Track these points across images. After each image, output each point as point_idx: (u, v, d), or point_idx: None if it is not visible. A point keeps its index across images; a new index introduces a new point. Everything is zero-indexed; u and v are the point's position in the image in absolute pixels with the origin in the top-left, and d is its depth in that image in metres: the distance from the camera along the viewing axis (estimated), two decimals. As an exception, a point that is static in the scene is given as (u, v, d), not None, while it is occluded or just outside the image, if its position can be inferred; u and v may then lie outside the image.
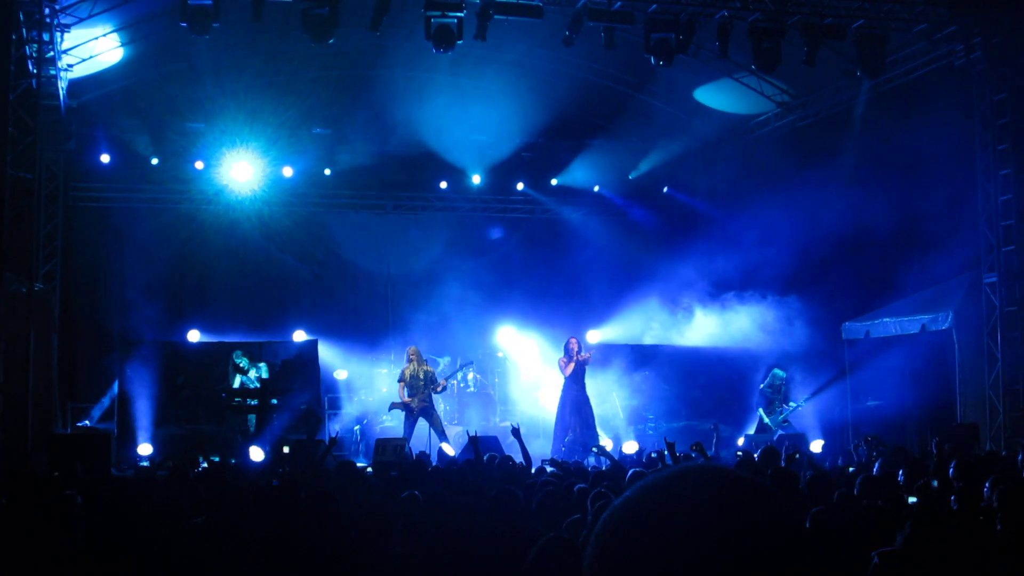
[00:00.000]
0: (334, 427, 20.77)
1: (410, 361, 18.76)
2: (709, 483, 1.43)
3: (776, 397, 19.55)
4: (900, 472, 10.08)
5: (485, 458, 12.31)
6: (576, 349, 18.57)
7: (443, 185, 25.03)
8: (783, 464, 11.68)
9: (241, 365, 20.28)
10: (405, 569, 6.10)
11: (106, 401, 20.38)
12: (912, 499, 8.54)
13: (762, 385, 19.90)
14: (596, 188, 25.92)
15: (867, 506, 7.14)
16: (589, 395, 18.76)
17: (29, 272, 16.05)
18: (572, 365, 18.37)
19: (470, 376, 22.33)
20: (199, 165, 22.78)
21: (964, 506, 7.73)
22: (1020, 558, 6.22)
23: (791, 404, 19.46)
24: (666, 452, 12.40)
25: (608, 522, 1.44)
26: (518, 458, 12.71)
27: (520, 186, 25.66)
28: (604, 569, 1.41)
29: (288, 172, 23.45)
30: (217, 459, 14.41)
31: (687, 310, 22.67)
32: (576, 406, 18.24)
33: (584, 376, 18.64)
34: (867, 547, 5.65)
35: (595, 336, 22.85)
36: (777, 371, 19.67)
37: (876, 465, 11.48)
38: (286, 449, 14.36)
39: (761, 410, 19.44)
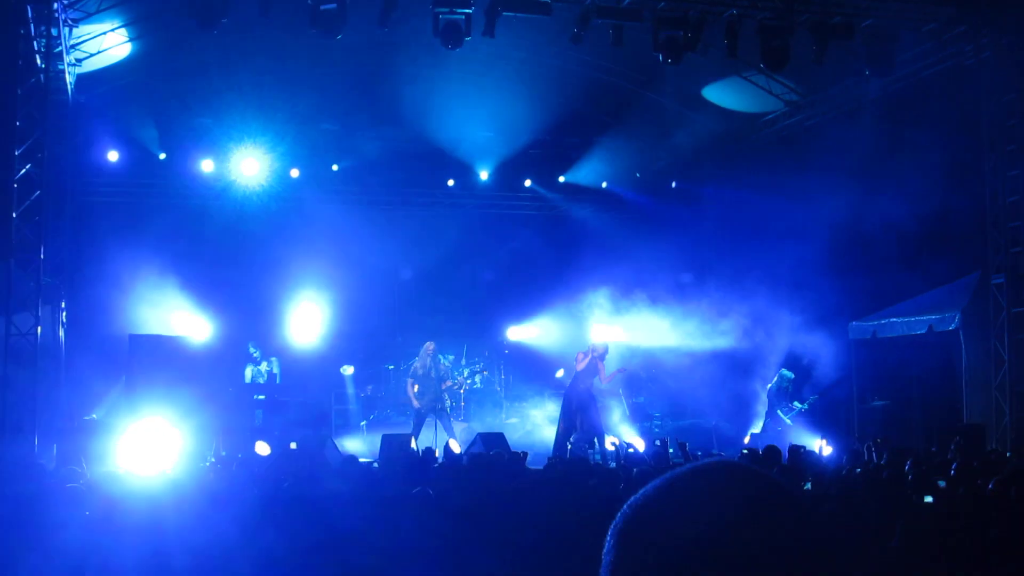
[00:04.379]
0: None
1: (424, 357, 18.69)
2: (728, 478, 1.45)
3: (783, 398, 19.56)
4: (907, 472, 10.07)
5: (491, 455, 12.33)
6: (597, 351, 18.43)
7: (451, 182, 25.08)
8: (785, 462, 11.70)
9: (255, 356, 20.39)
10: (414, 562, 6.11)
11: (113, 395, 20.40)
12: (928, 498, 8.53)
13: (769, 385, 19.91)
14: (604, 185, 25.93)
15: (873, 504, 7.15)
16: (595, 394, 18.73)
17: (37, 266, 16.09)
18: (585, 362, 18.26)
19: (477, 376, 22.39)
20: (206, 167, 22.92)
21: (968, 505, 7.74)
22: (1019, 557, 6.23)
23: (797, 405, 19.47)
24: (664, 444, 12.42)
25: (626, 517, 1.45)
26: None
27: (528, 183, 25.68)
28: (623, 563, 1.42)
29: (295, 172, 23.54)
30: (224, 454, 14.46)
31: (694, 307, 22.66)
32: (582, 403, 18.17)
33: (593, 374, 18.54)
34: (873, 543, 5.66)
35: (602, 333, 22.84)
36: (785, 372, 19.67)
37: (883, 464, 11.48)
38: (293, 445, 14.38)
39: (780, 411, 19.44)
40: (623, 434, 19.25)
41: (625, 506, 1.46)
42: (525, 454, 13.62)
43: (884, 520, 6.74)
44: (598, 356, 18.35)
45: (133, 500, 7.60)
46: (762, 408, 20.33)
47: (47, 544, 6.26)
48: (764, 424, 19.76)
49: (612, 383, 19.39)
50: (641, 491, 1.47)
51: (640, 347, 22.39)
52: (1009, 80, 16.80)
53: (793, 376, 19.70)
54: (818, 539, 1.41)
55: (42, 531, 6.50)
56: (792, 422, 19.20)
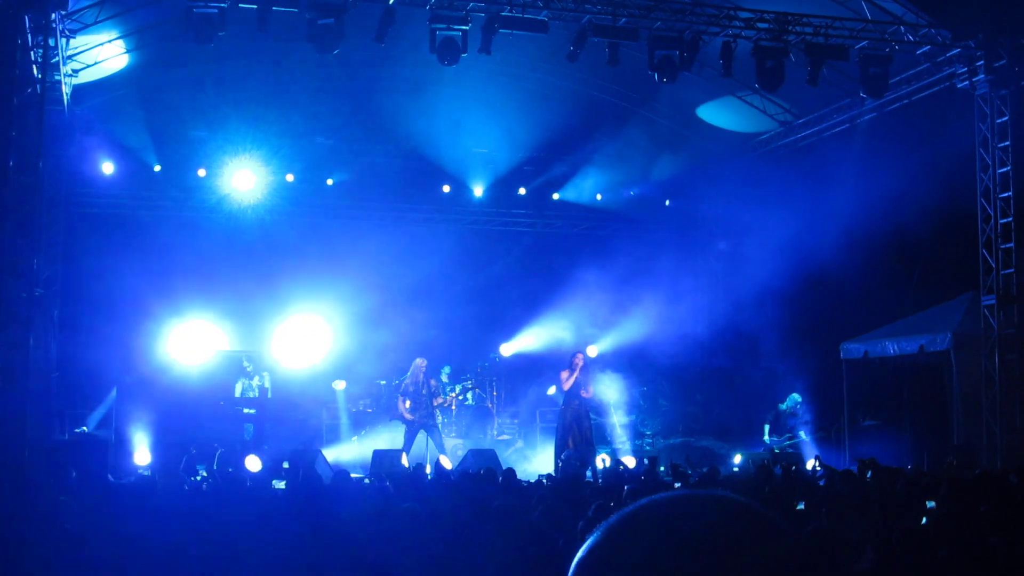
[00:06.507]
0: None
1: (415, 373, 18.60)
2: (705, 511, 1.38)
3: (789, 421, 19.55)
4: (898, 492, 10.08)
5: (482, 471, 12.31)
6: (580, 363, 18.39)
7: (446, 187, 25.01)
8: (779, 481, 11.70)
9: (248, 369, 20.36)
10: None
11: (104, 408, 20.33)
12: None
13: (782, 406, 19.80)
14: (598, 198, 25.94)
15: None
16: (587, 410, 18.65)
17: (30, 278, 16.04)
18: (572, 379, 18.19)
19: (469, 392, 22.34)
20: (201, 173, 22.85)
21: (958, 526, 7.73)
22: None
23: (802, 435, 19.42)
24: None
25: (592, 549, 1.38)
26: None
27: (522, 191, 25.66)
28: None
29: (290, 177, 23.51)
30: (216, 468, 14.43)
31: (686, 325, 22.67)
32: (575, 420, 18.10)
33: (582, 387, 18.43)
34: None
35: (591, 349, 22.83)
36: (795, 396, 19.64)
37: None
38: (285, 465, 14.38)
39: (788, 432, 19.47)
40: (617, 451, 19.23)
41: (591, 538, 1.38)
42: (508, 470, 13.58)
43: (872, 540, 6.75)
44: (579, 367, 18.25)
45: (122, 501, 7.59)
46: (754, 427, 20.33)
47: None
48: (769, 442, 19.70)
49: (601, 398, 19.33)
50: (607, 522, 1.39)
51: (632, 364, 22.37)
52: (1002, 102, 16.91)
53: (801, 399, 19.63)
54: (796, 566, 1.35)
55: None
56: (791, 446, 19.21)
